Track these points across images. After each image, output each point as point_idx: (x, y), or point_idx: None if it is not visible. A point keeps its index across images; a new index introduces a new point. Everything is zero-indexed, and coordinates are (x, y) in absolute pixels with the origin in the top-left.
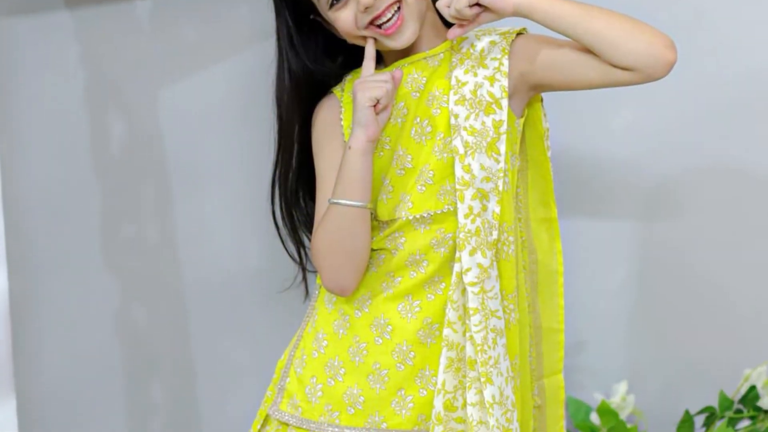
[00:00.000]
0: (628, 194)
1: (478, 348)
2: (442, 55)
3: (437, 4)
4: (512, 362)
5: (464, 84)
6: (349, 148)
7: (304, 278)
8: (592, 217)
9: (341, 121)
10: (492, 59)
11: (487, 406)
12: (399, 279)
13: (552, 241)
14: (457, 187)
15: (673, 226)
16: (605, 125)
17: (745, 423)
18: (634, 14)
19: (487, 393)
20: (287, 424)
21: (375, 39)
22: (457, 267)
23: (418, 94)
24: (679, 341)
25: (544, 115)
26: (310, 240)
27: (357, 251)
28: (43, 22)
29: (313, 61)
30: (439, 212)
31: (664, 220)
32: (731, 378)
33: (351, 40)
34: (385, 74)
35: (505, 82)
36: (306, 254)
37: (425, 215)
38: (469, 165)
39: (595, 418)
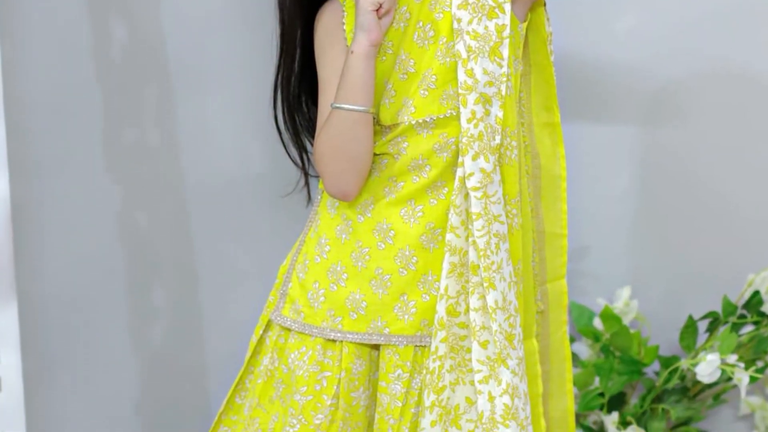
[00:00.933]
0: (631, 99)
1: (481, 253)
2: None
3: None
4: (515, 267)
5: None
6: (352, 52)
7: (307, 183)
8: (595, 122)
9: (344, 25)
10: None
11: (490, 311)
12: (401, 184)
13: (555, 146)
14: (460, 91)
15: (677, 131)
16: (608, 30)
17: (748, 328)
18: None
19: (490, 298)
20: (289, 330)
21: None
22: (459, 172)
23: None
24: (683, 247)
25: (547, 19)
26: (312, 145)
27: (359, 156)
28: None
29: None
30: (441, 117)
31: (667, 125)
32: (735, 283)
33: None
34: None
35: None
36: (308, 159)
37: (428, 120)
38: (472, 69)
39: (598, 323)
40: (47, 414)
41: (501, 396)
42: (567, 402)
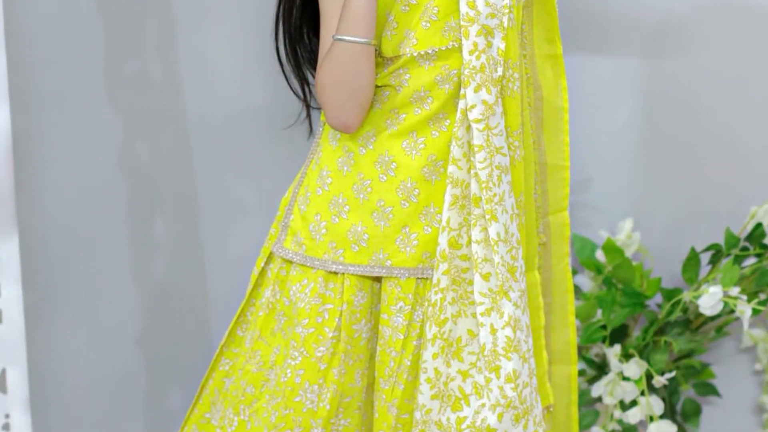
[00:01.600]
0: (633, 30)
1: (483, 185)
2: None
3: None
4: (517, 199)
5: None
6: None
7: (308, 115)
8: (598, 53)
9: None
10: None
11: (492, 243)
12: (403, 116)
13: (557, 78)
14: (462, 23)
15: (679, 62)
16: None
17: (751, 261)
18: None
19: (492, 230)
20: (291, 262)
21: None
22: (461, 104)
23: None
24: (686, 179)
25: None
26: (314, 77)
27: (361, 88)
28: None
29: None
30: (443, 48)
31: (669, 57)
32: (737, 215)
33: None
34: None
35: None
36: (310, 91)
37: (430, 51)
38: (474, 1)
39: (600, 255)
40: (48, 347)
41: (503, 328)
42: (569, 334)
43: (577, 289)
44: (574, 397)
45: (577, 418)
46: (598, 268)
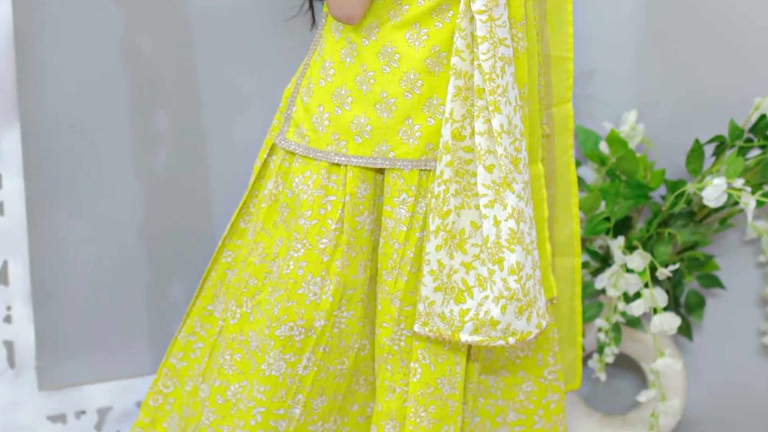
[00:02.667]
0: None
1: (486, 76)
2: None
3: None
4: (520, 91)
5: None
6: None
7: (311, 6)
8: None
9: None
10: None
11: (495, 135)
12: (406, 7)
13: None
14: None
15: None
16: None
17: (755, 152)
18: None
19: (495, 122)
20: (293, 153)
21: None
22: None
23: None
24: (690, 70)
25: None
26: None
27: None
28: None
29: None
30: None
31: None
32: (741, 107)
33: None
34: None
35: None
36: None
37: None
38: None
39: (604, 147)
40: (50, 239)
41: (506, 220)
42: (573, 226)
43: (581, 181)
44: (578, 289)
45: (581, 310)
46: (601, 160)
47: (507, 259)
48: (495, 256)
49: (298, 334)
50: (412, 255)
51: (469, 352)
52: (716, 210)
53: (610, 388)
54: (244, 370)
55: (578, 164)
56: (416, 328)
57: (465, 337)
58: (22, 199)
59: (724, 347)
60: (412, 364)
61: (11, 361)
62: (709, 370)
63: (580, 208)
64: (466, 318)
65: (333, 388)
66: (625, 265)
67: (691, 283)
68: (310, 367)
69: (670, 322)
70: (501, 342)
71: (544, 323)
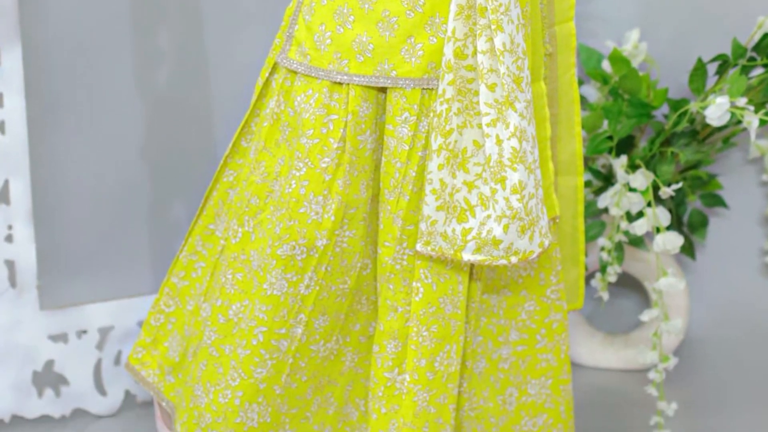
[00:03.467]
0: None
1: None
2: None
3: None
4: (523, 10)
5: None
6: None
7: None
8: None
9: None
10: None
11: (498, 54)
12: None
13: None
14: None
15: None
16: None
17: (758, 71)
18: None
19: (498, 41)
20: (295, 72)
21: None
22: None
23: None
24: None
25: None
26: None
27: None
28: None
29: None
30: None
31: None
32: (744, 25)
33: None
34: None
35: None
36: None
37: None
38: None
39: (606, 65)
40: (51, 158)
41: (509, 139)
42: (575, 145)
43: (584, 100)
44: (580, 208)
45: (583, 229)
46: (604, 79)
47: (509, 178)
48: (497, 175)
49: (300, 253)
50: (414, 174)
51: (472, 271)
52: (719, 129)
53: (613, 307)
54: (245, 289)
55: (581, 83)
56: (418, 247)
57: (467, 256)
58: (24, 118)
59: (727, 266)
60: (414, 284)
61: (12, 281)
62: (711, 289)
63: (583, 127)
64: (469, 237)
65: (335, 308)
66: (628, 184)
67: (694, 203)
68: (312, 287)
69: (673, 241)
70: (503, 261)
71: (546, 242)
